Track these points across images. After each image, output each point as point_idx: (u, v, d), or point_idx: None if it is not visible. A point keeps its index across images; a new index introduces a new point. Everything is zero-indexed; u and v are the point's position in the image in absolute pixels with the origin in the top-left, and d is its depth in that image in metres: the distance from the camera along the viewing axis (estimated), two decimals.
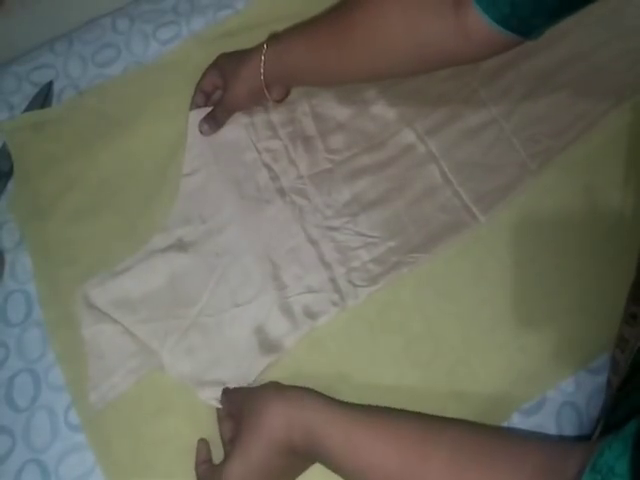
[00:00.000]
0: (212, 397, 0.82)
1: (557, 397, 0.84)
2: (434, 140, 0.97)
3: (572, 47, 1.01)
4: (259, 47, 0.88)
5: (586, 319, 0.86)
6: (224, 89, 0.93)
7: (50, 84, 1.01)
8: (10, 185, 0.95)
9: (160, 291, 0.88)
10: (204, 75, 0.96)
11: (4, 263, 0.89)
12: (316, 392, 0.74)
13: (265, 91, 0.91)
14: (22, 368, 0.84)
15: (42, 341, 0.85)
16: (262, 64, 0.87)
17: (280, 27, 1.03)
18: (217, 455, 0.79)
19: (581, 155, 0.95)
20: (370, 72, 0.87)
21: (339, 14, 0.83)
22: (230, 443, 0.76)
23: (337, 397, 0.79)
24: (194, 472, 0.78)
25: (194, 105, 0.98)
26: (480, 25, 0.69)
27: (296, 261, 0.90)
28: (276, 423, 0.69)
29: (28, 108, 0.99)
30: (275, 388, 0.75)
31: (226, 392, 0.80)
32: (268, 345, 0.85)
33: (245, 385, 0.82)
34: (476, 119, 0.98)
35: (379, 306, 0.88)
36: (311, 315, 0.87)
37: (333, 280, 0.89)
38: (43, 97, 1.00)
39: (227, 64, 0.93)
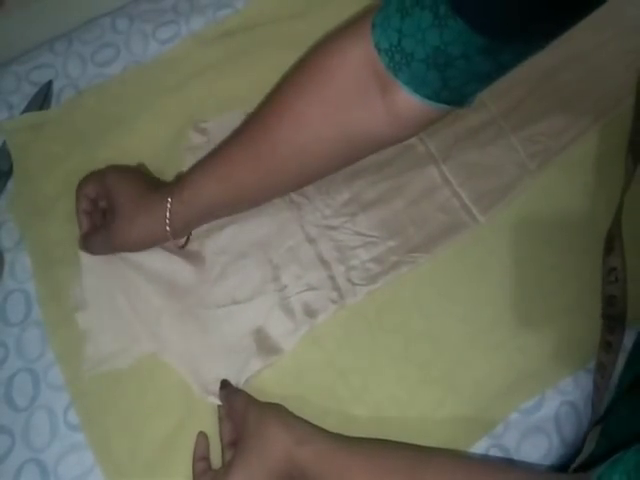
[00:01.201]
0: (208, 392, 0.82)
1: (556, 397, 0.84)
2: (433, 140, 0.97)
3: (572, 48, 1.01)
4: (162, 198, 0.78)
5: (585, 319, 0.87)
6: (111, 220, 0.81)
7: (49, 84, 1.00)
8: (10, 185, 0.94)
9: (159, 281, 0.87)
10: (87, 180, 0.86)
11: (3, 263, 0.89)
12: (318, 428, 0.75)
13: (171, 240, 0.82)
14: (21, 367, 0.83)
15: (41, 341, 0.85)
16: (167, 220, 0.78)
17: (280, 27, 1.04)
18: (217, 453, 0.79)
19: (581, 155, 0.95)
20: (297, 182, 0.82)
21: (252, 132, 0.77)
22: (229, 447, 0.76)
23: (335, 396, 0.82)
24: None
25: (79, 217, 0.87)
26: (410, 104, 0.66)
27: (295, 260, 0.89)
28: (279, 455, 0.69)
29: (27, 108, 0.98)
30: (281, 419, 0.74)
31: (227, 392, 0.80)
32: (267, 347, 0.85)
33: (235, 383, 0.82)
34: (475, 119, 0.98)
35: (378, 305, 0.88)
36: (310, 313, 0.86)
37: (332, 278, 0.88)
38: (42, 97, 0.99)
39: (120, 196, 0.81)
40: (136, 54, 1.05)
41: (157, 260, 0.87)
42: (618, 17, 1.03)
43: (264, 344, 0.85)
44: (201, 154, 0.89)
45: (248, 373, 0.83)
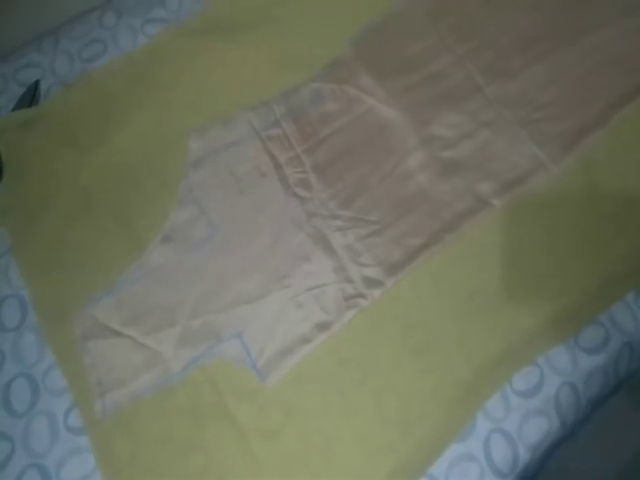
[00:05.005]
0: None
1: (555, 378, 0.79)
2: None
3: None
4: None
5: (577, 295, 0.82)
6: None
7: (37, 83, 0.94)
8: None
9: (167, 297, 0.82)
10: None
11: None
12: None
13: None
14: (18, 373, 0.78)
15: (38, 346, 0.80)
16: None
17: (271, 10, 0.98)
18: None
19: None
20: None
21: None
22: None
23: (335, 382, 0.77)
24: (193, 472, 0.74)
25: None
26: None
27: (303, 258, 0.84)
28: None
29: (15, 108, 0.92)
30: None
31: None
32: (285, 349, 0.80)
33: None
34: (488, 114, 0.92)
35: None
36: (330, 311, 0.82)
37: (345, 273, 0.83)
38: (30, 96, 0.92)
39: None
40: (124, 49, 0.99)
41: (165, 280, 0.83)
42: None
43: (282, 346, 0.80)
44: (205, 164, 0.86)
45: (276, 376, 0.79)
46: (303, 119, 0.93)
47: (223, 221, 0.86)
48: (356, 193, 0.88)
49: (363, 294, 0.82)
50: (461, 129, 0.91)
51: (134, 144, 0.90)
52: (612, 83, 0.93)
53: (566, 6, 0.99)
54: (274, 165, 0.89)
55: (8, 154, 0.88)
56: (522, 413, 0.77)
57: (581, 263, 0.83)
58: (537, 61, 0.95)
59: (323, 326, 0.80)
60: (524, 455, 0.75)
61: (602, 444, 0.74)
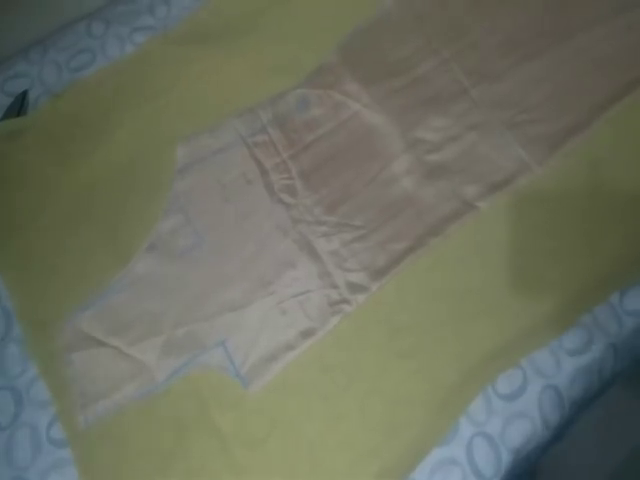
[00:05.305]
0: None
1: (538, 380, 0.79)
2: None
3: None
4: None
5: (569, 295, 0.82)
6: None
7: (25, 93, 0.95)
8: None
9: (152, 307, 0.82)
10: None
11: None
12: None
13: None
14: (2, 385, 0.79)
15: (22, 357, 0.80)
16: None
17: (259, 17, 0.98)
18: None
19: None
20: None
21: None
22: None
23: (319, 389, 0.77)
24: None
25: None
26: None
27: (288, 265, 0.84)
28: None
29: (3, 118, 0.93)
30: None
31: None
32: (268, 356, 0.80)
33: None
34: (475, 116, 0.92)
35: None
36: (313, 318, 0.82)
37: (330, 278, 0.83)
38: (18, 106, 0.93)
39: None
40: (112, 58, 0.99)
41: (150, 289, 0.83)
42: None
43: (266, 353, 0.80)
44: (191, 172, 0.87)
45: (259, 385, 0.79)
46: (289, 125, 0.93)
47: (209, 229, 0.86)
48: (341, 198, 0.88)
49: (347, 300, 0.82)
50: (446, 132, 0.91)
51: (121, 153, 0.90)
52: (599, 84, 0.93)
53: (553, 7, 0.98)
54: (260, 171, 0.90)
55: None
56: (505, 416, 0.76)
57: (566, 265, 0.83)
58: (523, 62, 0.95)
59: (307, 333, 0.80)
60: (507, 458, 0.75)
61: (598, 439, 0.74)
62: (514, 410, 0.77)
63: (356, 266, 0.84)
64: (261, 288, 0.83)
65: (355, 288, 0.82)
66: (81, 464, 0.74)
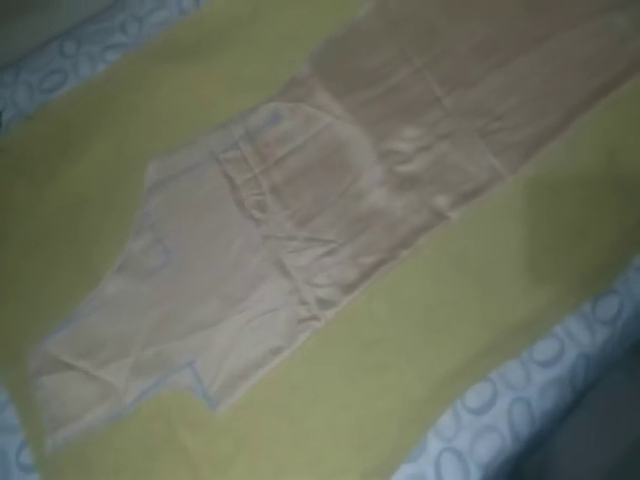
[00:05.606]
0: None
1: (508, 393, 0.78)
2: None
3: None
4: None
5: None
6: None
7: None
8: None
9: (121, 328, 0.82)
10: None
11: None
12: None
13: None
14: None
15: None
16: None
17: (231, 32, 0.98)
18: None
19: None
20: None
21: None
22: None
23: (286, 407, 0.77)
24: None
25: None
26: None
27: (258, 282, 0.84)
28: None
29: None
30: None
31: None
32: (237, 376, 0.80)
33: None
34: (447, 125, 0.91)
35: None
36: (284, 337, 0.81)
37: (299, 294, 0.83)
38: None
39: None
40: (84, 77, 0.99)
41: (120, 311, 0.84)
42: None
43: (234, 371, 0.80)
44: (162, 191, 0.86)
45: (227, 403, 0.79)
46: (260, 140, 0.92)
47: (179, 247, 0.86)
48: (312, 213, 0.87)
49: (317, 316, 0.81)
50: (418, 142, 0.91)
51: (92, 174, 0.90)
52: (571, 88, 0.92)
53: (525, 13, 0.98)
54: (231, 188, 0.89)
55: None
56: (473, 430, 0.76)
57: (536, 274, 0.83)
58: (496, 69, 0.94)
59: (276, 350, 0.80)
60: (475, 473, 0.74)
61: (600, 430, 0.72)
62: (483, 424, 0.77)
63: (326, 281, 0.83)
64: (231, 306, 0.82)
65: (325, 304, 0.82)
66: None
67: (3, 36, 0.98)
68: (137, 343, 0.81)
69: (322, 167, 0.90)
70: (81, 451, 0.76)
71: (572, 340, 0.80)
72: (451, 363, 0.79)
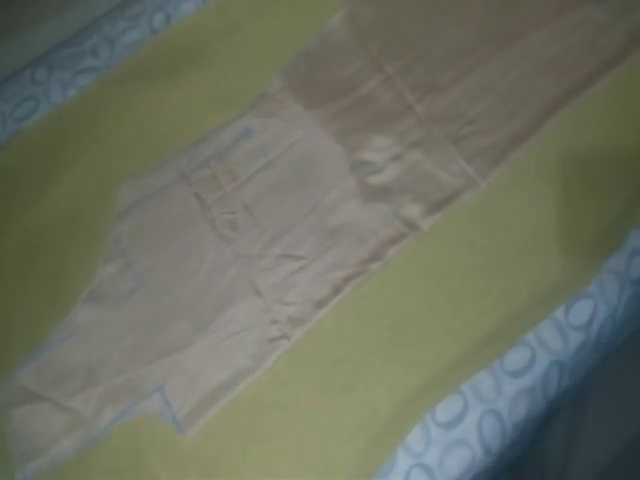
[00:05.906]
0: None
1: (478, 406, 0.77)
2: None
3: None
4: None
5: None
6: None
7: None
8: None
9: (91, 357, 0.83)
10: None
11: None
12: None
13: None
14: None
15: None
16: None
17: (202, 50, 0.99)
18: None
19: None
20: None
21: None
22: None
23: (255, 430, 0.77)
24: None
25: None
26: None
27: (229, 303, 0.84)
28: None
29: None
30: None
31: None
32: (206, 399, 0.79)
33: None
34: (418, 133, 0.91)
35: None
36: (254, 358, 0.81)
37: (270, 314, 0.83)
38: None
39: None
40: (55, 103, 1.00)
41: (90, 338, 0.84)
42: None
43: (205, 392, 0.80)
44: (134, 215, 0.87)
45: (196, 427, 0.79)
46: (231, 157, 0.92)
47: (150, 271, 0.86)
48: (283, 229, 0.87)
49: (287, 335, 0.81)
50: (389, 152, 0.90)
51: (65, 201, 0.91)
52: (543, 89, 0.91)
53: (498, 12, 0.96)
54: (201, 208, 0.89)
55: None
56: (443, 445, 0.75)
57: (507, 283, 0.81)
58: (467, 73, 0.93)
59: (245, 372, 0.80)
60: None
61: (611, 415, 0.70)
62: (453, 438, 0.76)
63: (297, 299, 0.83)
64: (201, 329, 0.83)
65: (295, 322, 0.82)
66: None
67: None
68: (106, 371, 0.81)
69: (294, 182, 0.90)
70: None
71: (544, 348, 0.79)
72: (420, 377, 0.78)
